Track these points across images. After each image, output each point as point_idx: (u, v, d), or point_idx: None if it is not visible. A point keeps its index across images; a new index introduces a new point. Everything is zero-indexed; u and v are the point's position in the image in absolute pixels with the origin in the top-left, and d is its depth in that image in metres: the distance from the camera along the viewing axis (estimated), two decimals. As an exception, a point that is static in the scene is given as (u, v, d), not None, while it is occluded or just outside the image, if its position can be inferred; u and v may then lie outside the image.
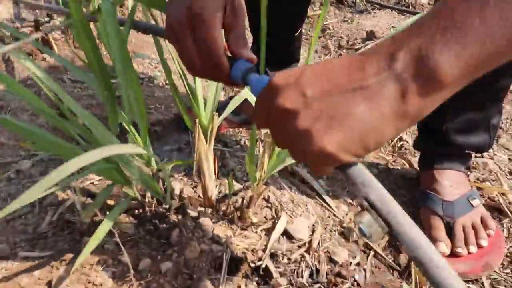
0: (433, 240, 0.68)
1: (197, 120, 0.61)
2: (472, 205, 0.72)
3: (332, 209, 0.78)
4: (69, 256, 0.55)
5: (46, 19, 1.42)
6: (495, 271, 0.67)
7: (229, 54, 0.43)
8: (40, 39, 1.29)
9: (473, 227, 0.69)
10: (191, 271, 0.52)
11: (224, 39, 0.42)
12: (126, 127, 0.59)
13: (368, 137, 0.29)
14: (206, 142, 0.64)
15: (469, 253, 0.66)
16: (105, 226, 0.50)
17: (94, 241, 0.49)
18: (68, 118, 0.56)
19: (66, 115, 0.53)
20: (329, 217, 0.75)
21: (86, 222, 0.61)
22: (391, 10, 1.80)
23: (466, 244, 0.67)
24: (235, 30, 0.42)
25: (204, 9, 0.39)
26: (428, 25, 0.27)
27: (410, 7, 1.82)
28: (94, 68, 0.50)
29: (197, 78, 0.66)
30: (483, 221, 0.71)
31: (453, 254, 0.66)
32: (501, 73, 0.65)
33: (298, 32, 0.94)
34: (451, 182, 0.75)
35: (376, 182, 0.33)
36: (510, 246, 0.72)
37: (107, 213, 0.54)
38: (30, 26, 1.38)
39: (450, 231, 0.69)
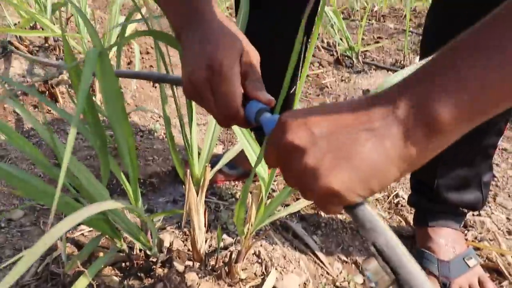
0: None
1: (187, 171, 0.62)
2: (468, 265, 0.70)
3: (326, 266, 0.75)
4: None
5: (56, 74, 1.49)
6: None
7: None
8: (47, 92, 1.35)
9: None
10: (172, 329, 0.50)
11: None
12: (119, 178, 0.60)
13: (373, 178, 0.29)
14: (198, 194, 0.64)
15: None
16: (84, 280, 0.49)
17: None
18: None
19: (61, 165, 0.54)
20: (322, 275, 0.73)
21: (70, 275, 0.59)
22: (387, 71, 1.88)
23: None
24: (252, 76, 0.44)
25: (223, 65, 0.40)
26: (428, 72, 0.28)
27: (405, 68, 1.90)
28: (88, 120, 0.52)
29: (193, 131, 0.68)
30: (480, 282, 0.68)
31: None
32: (487, 131, 0.67)
33: (293, 90, 0.97)
34: (446, 241, 0.73)
35: (384, 226, 0.32)
36: (511, 310, 0.68)
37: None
38: (40, 81, 1.45)
39: (447, 292, 0.67)
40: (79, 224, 0.79)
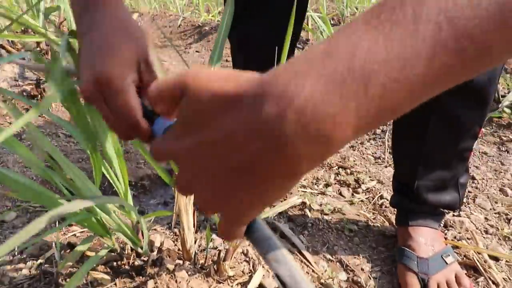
0: None
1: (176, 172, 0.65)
2: (446, 262, 0.73)
3: (311, 264, 0.78)
4: (43, 306, 0.55)
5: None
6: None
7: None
8: (39, 96, 1.36)
9: (448, 284, 0.70)
10: (162, 323, 0.52)
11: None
12: (110, 179, 0.63)
13: (252, 200, 0.26)
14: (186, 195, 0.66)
15: None
16: (78, 277, 0.51)
17: (71, 284, 0.50)
18: (55, 170, 0.60)
19: (53, 167, 0.57)
20: (308, 273, 0.76)
21: (63, 273, 0.61)
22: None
23: None
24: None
25: (112, 75, 0.36)
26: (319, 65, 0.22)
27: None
28: (79, 123, 0.54)
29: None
30: (457, 278, 0.72)
31: None
32: (463, 136, 0.70)
33: None
34: (425, 239, 0.77)
35: (284, 255, 0.30)
36: None
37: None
38: (31, 84, 1.46)
39: (425, 287, 0.70)
40: (71, 225, 0.81)
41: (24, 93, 1.42)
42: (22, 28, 2.00)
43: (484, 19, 0.19)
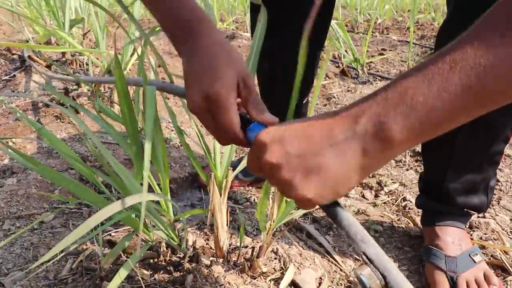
0: None
1: (212, 174, 0.68)
2: (474, 260, 0.74)
3: (339, 263, 0.80)
4: (89, 299, 0.58)
5: (75, 87, 1.57)
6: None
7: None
8: (69, 104, 1.41)
9: (477, 283, 0.71)
10: (204, 314, 0.55)
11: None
12: (150, 182, 0.66)
13: (338, 185, 0.36)
14: (220, 195, 0.69)
15: None
16: (125, 270, 0.54)
17: (114, 284, 0.52)
18: (93, 171, 0.63)
19: (104, 166, 0.60)
20: (336, 271, 0.78)
21: (105, 269, 0.64)
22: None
23: None
24: (252, 99, 0.47)
25: (220, 95, 0.43)
26: (385, 96, 0.33)
27: (409, 79, 1.96)
28: (128, 129, 0.58)
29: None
30: (486, 277, 0.72)
31: None
32: (495, 139, 0.71)
33: (305, 100, 1.03)
34: (453, 239, 0.78)
35: (371, 238, 0.38)
36: (516, 303, 0.72)
37: (127, 260, 0.58)
38: (61, 92, 1.52)
39: (454, 286, 0.71)
40: (103, 224, 0.85)
41: (54, 101, 1.48)
42: (46, 40, 2.08)
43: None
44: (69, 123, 1.38)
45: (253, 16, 0.87)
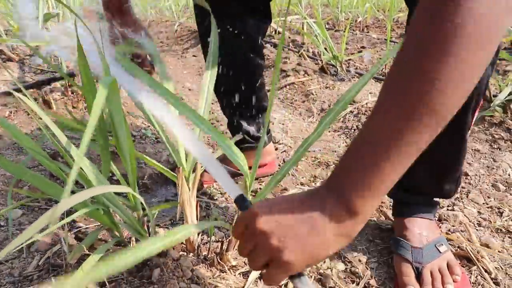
0: (404, 284, 0.71)
1: (180, 168, 0.67)
2: (439, 251, 0.76)
3: (310, 257, 0.81)
4: (53, 295, 0.57)
5: (48, 81, 1.53)
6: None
7: None
8: (41, 99, 1.38)
9: (440, 272, 0.73)
10: (169, 307, 0.54)
11: None
12: (118, 177, 0.65)
13: (318, 253, 0.42)
14: (190, 189, 0.69)
15: None
16: (88, 265, 0.53)
17: (81, 273, 0.52)
18: (59, 162, 0.62)
19: (67, 160, 0.59)
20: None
21: (71, 264, 0.63)
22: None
23: (433, 287, 0.70)
24: None
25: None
26: (345, 169, 0.42)
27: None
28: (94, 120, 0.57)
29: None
30: (450, 267, 0.74)
31: None
32: (459, 131, 0.71)
33: (259, 83, 1.03)
34: (420, 229, 0.79)
35: None
36: (478, 292, 0.75)
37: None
38: (32, 87, 1.48)
39: (419, 276, 0.73)
40: (75, 221, 0.83)
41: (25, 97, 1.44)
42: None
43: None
44: (40, 118, 1.35)
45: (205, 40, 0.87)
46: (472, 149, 1.27)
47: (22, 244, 0.74)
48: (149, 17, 4.18)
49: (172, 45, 3.27)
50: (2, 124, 0.62)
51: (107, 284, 0.58)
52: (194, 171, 0.71)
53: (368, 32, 3.46)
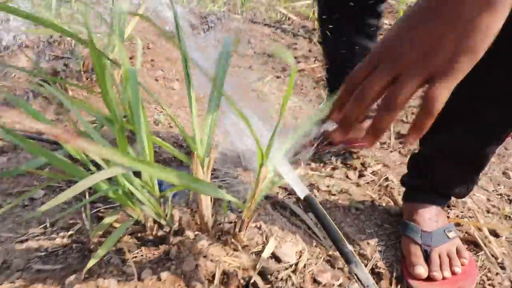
0: (412, 264, 0.74)
1: (195, 153, 0.70)
2: (448, 236, 0.78)
3: (320, 238, 0.84)
4: (79, 268, 0.61)
5: (63, 67, 1.56)
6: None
7: None
8: (57, 85, 1.42)
9: (449, 256, 0.75)
10: (187, 281, 0.58)
11: None
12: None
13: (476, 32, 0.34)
14: (204, 172, 0.72)
15: (444, 278, 0.71)
16: (110, 242, 0.56)
17: (101, 253, 0.55)
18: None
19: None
20: (316, 246, 0.81)
21: (94, 242, 0.67)
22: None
23: (441, 269, 0.73)
24: None
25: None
26: None
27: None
28: (108, 104, 0.59)
29: (194, 118, 0.75)
30: (458, 251, 0.77)
31: (429, 278, 0.72)
32: (488, 142, 0.72)
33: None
34: (430, 215, 0.81)
35: None
36: (483, 275, 0.77)
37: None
38: (48, 73, 1.52)
39: (427, 258, 0.75)
40: (94, 202, 0.87)
41: (43, 82, 1.48)
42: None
43: None
44: (57, 103, 1.38)
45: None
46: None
47: (46, 222, 0.78)
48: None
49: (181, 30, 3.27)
50: (26, 109, 0.65)
51: (130, 258, 0.61)
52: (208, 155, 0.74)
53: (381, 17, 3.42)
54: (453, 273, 0.72)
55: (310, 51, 2.16)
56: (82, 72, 1.48)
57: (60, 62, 1.70)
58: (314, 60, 2.05)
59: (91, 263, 0.53)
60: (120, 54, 0.60)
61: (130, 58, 1.79)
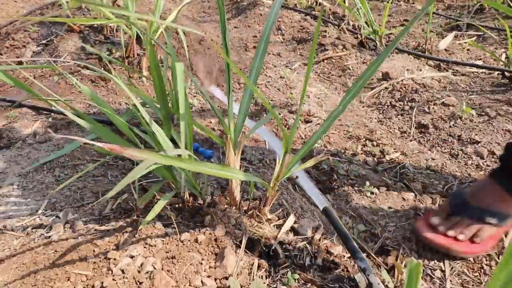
0: (430, 214, 0.84)
1: (228, 136, 0.80)
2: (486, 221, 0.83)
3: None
4: (129, 229, 0.74)
5: (107, 53, 1.69)
6: (465, 273, 0.79)
7: None
8: (102, 68, 1.55)
9: (478, 230, 0.82)
10: (219, 243, 0.69)
11: None
12: (177, 140, 0.79)
13: None
14: (235, 154, 0.82)
15: (458, 240, 0.81)
16: (158, 205, 0.68)
17: (150, 217, 0.67)
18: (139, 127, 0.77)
19: (142, 124, 0.73)
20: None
21: (140, 209, 0.79)
22: (408, 55, 1.98)
23: (463, 232, 0.81)
24: None
25: None
26: None
27: (427, 53, 1.99)
28: (158, 92, 0.70)
29: (231, 103, 0.85)
30: (486, 234, 0.82)
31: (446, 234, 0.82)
32: None
33: None
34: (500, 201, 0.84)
35: None
36: (496, 252, 0.84)
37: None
38: (94, 59, 1.65)
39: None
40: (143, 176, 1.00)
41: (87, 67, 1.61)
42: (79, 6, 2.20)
43: None
44: (102, 86, 1.52)
45: None
46: (502, 130, 1.31)
47: (96, 193, 0.91)
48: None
49: (214, 14, 3.35)
50: (95, 99, 0.76)
51: (172, 224, 0.73)
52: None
53: (413, 2, 3.36)
54: (473, 240, 0.81)
55: (338, 38, 2.19)
56: (125, 57, 1.61)
57: (103, 47, 1.83)
58: (342, 48, 2.09)
59: (143, 224, 0.65)
60: (169, 49, 0.71)
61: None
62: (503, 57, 1.80)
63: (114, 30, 1.93)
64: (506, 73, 1.56)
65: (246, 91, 0.86)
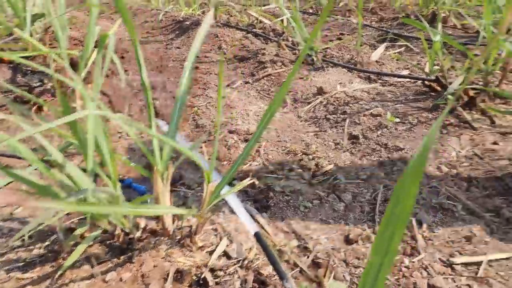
0: None
1: (155, 168, 0.81)
2: None
3: (271, 236, 0.96)
4: (54, 275, 0.72)
5: (39, 83, 1.64)
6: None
7: None
8: (31, 102, 1.50)
9: None
10: (145, 279, 0.69)
11: None
12: (102, 176, 0.79)
13: None
14: (164, 184, 0.83)
15: None
16: (82, 246, 0.67)
17: (74, 256, 0.66)
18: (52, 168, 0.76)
19: (56, 165, 0.73)
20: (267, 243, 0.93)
21: (67, 251, 0.78)
22: (342, 68, 2.09)
23: None
24: None
25: None
26: None
27: (358, 65, 2.11)
28: (77, 138, 0.70)
29: (155, 139, 0.86)
30: None
31: None
32: None
33: None
34: None
35: None
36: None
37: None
38: (24, 89, 1.59)
39: None
40: (69, 214, 0.97)
41: (17, 100, 1.56)
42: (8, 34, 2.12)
43: None
44: (31, 120, 1.47)
45: None
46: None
47: (24, 235, 0.88)
48: (134, 5, 4.23)
49: (157, 35, 3.35)
50: (5, 141, 0.75)
51: (96, 265, 0.72)
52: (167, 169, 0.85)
53: (349, 16, 3.55)
54: None
55: (277, 55, 2.27)
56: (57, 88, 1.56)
57: (35, 77, 1.78)
58: (281, 65, 2.16)
59: (62, 269, 0.64)
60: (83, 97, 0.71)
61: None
62: (427, 66, 1.94)
63: (47, 59, 1.88)
64: (426, 82, 1.70)
65: (173, 118, 0.88)
